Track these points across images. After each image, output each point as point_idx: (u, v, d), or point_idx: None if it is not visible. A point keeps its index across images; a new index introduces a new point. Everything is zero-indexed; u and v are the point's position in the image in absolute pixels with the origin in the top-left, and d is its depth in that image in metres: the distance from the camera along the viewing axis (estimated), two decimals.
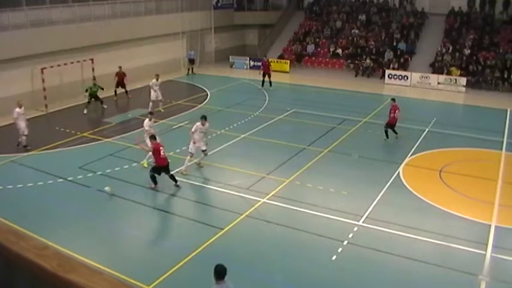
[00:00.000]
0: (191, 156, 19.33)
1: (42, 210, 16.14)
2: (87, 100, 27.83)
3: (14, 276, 2.70)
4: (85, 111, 27.82)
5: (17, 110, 21.70)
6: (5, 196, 17.13)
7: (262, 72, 34.66)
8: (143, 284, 11.94)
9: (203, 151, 19.55)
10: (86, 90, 27.58)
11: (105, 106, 28.47)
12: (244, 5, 48.79)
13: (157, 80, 27.80)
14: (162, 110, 27.94)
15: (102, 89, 28.28)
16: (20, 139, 21.75)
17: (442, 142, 22.94)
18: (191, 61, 40.01)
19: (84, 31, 31.32)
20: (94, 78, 28.00)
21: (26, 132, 21.79)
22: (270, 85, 34.20)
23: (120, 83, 30.96)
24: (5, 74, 26.87)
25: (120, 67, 30.99)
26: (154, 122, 21.06)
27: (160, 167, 17.38)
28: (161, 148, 17.29)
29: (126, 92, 31.26)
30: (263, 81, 34.43)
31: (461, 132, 24.47)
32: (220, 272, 8.87)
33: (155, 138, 17.47)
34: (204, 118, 19.40)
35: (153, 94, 27.81)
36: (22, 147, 21.85)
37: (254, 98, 31.61)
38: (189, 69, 39.89)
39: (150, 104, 27.74)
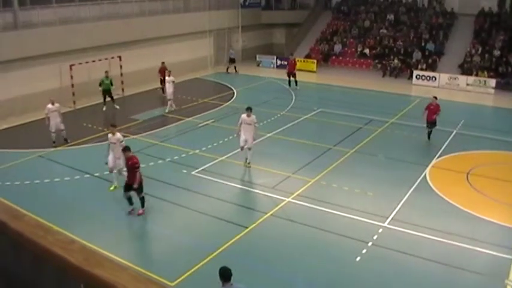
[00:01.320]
0: (241, 150, 19.51)
1: (69, 205, 16.33)
2: (102, 97, 27.92)
3: (41, 269, 2.73)
4: (104, 108, 28.12)
5: (48, 106, 21.80)
6: (33, 191, 17.38)
7: (287, 71, 34.23)
8: (167, 281, 12.01)
9: (248, 149, 19.39)
10: (100, 85, 27.58)
11: (117, 107, 28.42)
12: (271, 4, 48.82)
13: (168, 76, 27.53)
14: (166, 111, 27.81)
15: (112, 84, 28.26)
16: (52, 135, 21.94)
17: (470, 144, 22.63)
18: (232, 60, 39.73)
19: (112, 29, 31.66)
20: (106, 72, 28.02)
21: (62, 127, 22.11)
22: (296, 85, 33.80)
23: (164, 78, 31.04)
24: (34, 70, 27.28)
25: (163, 62, 31.27)
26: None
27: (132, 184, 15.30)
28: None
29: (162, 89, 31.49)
30: (289, 81, 33.99)
31: (490, 134, 24.10)
32: (223, 274, 8.75)
33: (130, 150, 15.35)
34: (249, 109, 19.24)
35: (166, 90, 27.72)
36: (63, 141, 22.29)
37: (281, 97, 31.57)
38: (227, 68, 39.60)
39: (169, 102, 27.83)
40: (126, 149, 15.25)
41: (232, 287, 8.77)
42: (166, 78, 27.54)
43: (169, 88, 27.53)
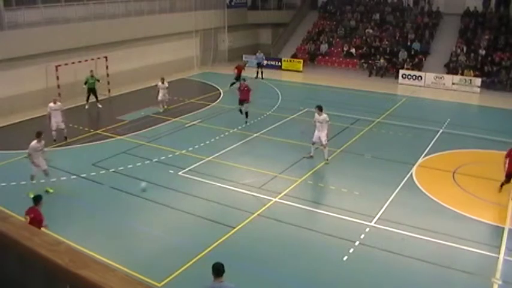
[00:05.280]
0: (312, 144, 20.46)
1: (55, 206, 16.20)
2: (86, 96, 27.95)
3: (28, 270, 2.72)
4: (86, 107, 28.08)
5: (50, 105, 21.99)
6: (19, 192, 17.22)
7: (239, 99, 25.57)
8: (154, 281, 11.98)
9: (323, 146, 20.16)
10: (85, 83, 27.71)
11: (99, 106, 28.51)
12: (258, 4, 48.75)
13: (162, 82, 27.48)
14: (161, 111, 27.69)
15: (98, 80, 28.29)
16: (52, 133, 21.96)
17: (456, 143, 22.77)
18: (258, 65, 38.26)
19: (98, 29, 31.47)
20: (91, 71, 28.01)
21: (62, 126, 22.20)
22: (247, 116, 25.53)
23: (240, 76, 31.89)
24: (19, 71, 27.07)
25: (241, 62, 32.83)
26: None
27: None
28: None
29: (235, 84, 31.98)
30: (240, 110, 25.49)
31: (476, 133, 24.28)
32: (216, 269, 8.75)
33: (39, 201, 12.69)
34: (317, 108, 20.19)
35: (160, 95, 27.57)
36: (63, 139, 22.44)
37: (267, 97, 31.58)
38: (257, 73, 37.90)
39: (161, 104, 27.76)
40: (36, 199, 12.71)
41: (222, 284, 8.77)
42: (160, 84, 27.44)
43: (167, 93, 27.67)
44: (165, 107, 27.97)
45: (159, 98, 27.46)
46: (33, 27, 28.19)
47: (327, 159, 20.19)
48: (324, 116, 19.93)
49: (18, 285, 2.85)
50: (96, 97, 28.25)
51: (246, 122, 25.26)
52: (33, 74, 27.90)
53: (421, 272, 12.84)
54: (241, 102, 25.24)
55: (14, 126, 25.26)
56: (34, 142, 16.91)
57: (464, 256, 13.69)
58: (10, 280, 2.88)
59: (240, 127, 24.57)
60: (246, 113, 25.27)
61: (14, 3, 28.13)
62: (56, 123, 21.97)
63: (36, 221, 11.83)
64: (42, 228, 11.77)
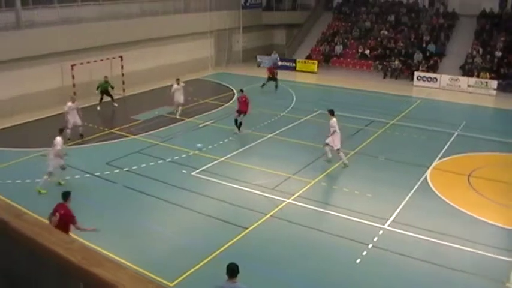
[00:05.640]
0: (322, 146, 20.24)
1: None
2: (99, 97, 28.10)
3: (41, 268, 2.72)
4: (98, 108, 28.12)
5: (68, 104, 22.23)
6: (33, 189, 17.34)
7: (237, 109, 24.51)
8: (166, 281, 12.00)
9: (337, 150, 19.77)
10: (97, 88, 27.91)
11: (115, 104, 28.66)
12: (272, 5, 48.73)
13: (178, 84, 26.91)
14: (177, 116, 27.04)
15: (112, 87, 28.36)
16: (67, 131, 21.82)
17: (471, 146, 22.61)
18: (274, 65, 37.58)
19: (113, 29, 31.63)
20: (106, 77, 28.12)
21: (79, 123, 22.54)
22: (240, 125, 24.20)
23: (273, 76, 32.81)
24: (35, 70, 27.29)
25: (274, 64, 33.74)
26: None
27: None
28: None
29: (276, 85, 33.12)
30: (236, 120, 24.16)
31: (491, 136, 24.07)
32: (231, 270, 8.77)
33: (68, 197, 12.67)
34: (328, 112, 20.03)
35: (176, 97, 26.95)
36: (79, 136, 22.81)
37: (281, 98, 31.56)
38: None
39: (180, 108, 27.22)
40: (66, 196, 12.69)
41: (235, 285, 8.77)
42: (175, 86, 26.81)
43: (180, 94, 26.88)
44: (180, 114, 27.10)
45: (174, 101, 27.01)
46: (49, 26, 28.42)
47: (344, 164, 19.97)
48: (332, 121, 19.64)
49: (32, 282, 2.85)
50: (112, 97, 28.38)
51: (235, 133, 23.94)
52: (49, 73, 28.12)
53: (435, 275, 12.74)
54: (239, 113, 24.00)
55: (29, 124, 25.45)
56: (59, 138, 17.52)
57: (478, 260, 13.57)
58: (24, 277, 2.89)
59: (253, 128, 24.53)
60: (240, 123, 23.98)
61: (31, 3, 28.39)
62: (73, 122, 22.27)
63: (67, 217, 12.01)
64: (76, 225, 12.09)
